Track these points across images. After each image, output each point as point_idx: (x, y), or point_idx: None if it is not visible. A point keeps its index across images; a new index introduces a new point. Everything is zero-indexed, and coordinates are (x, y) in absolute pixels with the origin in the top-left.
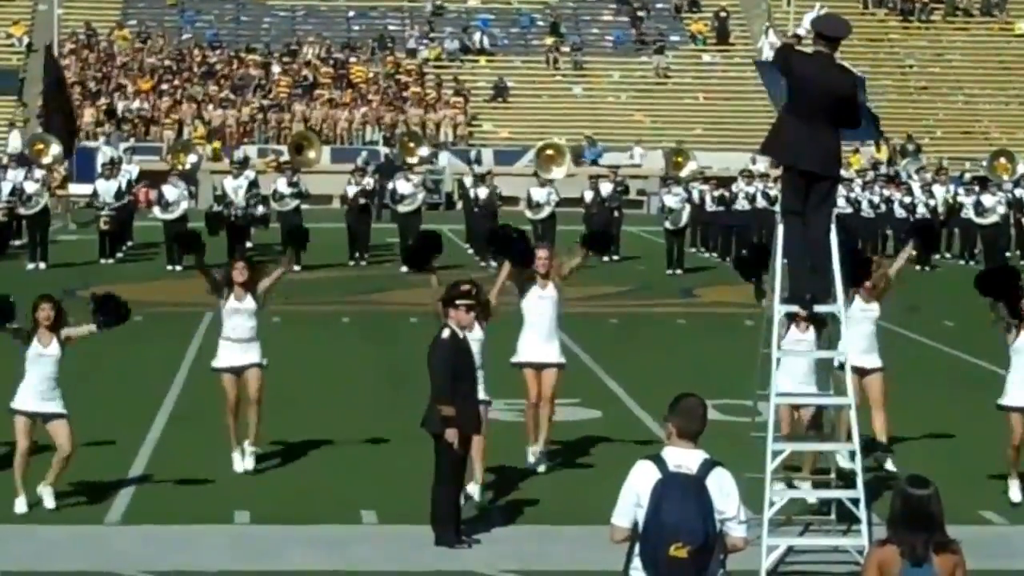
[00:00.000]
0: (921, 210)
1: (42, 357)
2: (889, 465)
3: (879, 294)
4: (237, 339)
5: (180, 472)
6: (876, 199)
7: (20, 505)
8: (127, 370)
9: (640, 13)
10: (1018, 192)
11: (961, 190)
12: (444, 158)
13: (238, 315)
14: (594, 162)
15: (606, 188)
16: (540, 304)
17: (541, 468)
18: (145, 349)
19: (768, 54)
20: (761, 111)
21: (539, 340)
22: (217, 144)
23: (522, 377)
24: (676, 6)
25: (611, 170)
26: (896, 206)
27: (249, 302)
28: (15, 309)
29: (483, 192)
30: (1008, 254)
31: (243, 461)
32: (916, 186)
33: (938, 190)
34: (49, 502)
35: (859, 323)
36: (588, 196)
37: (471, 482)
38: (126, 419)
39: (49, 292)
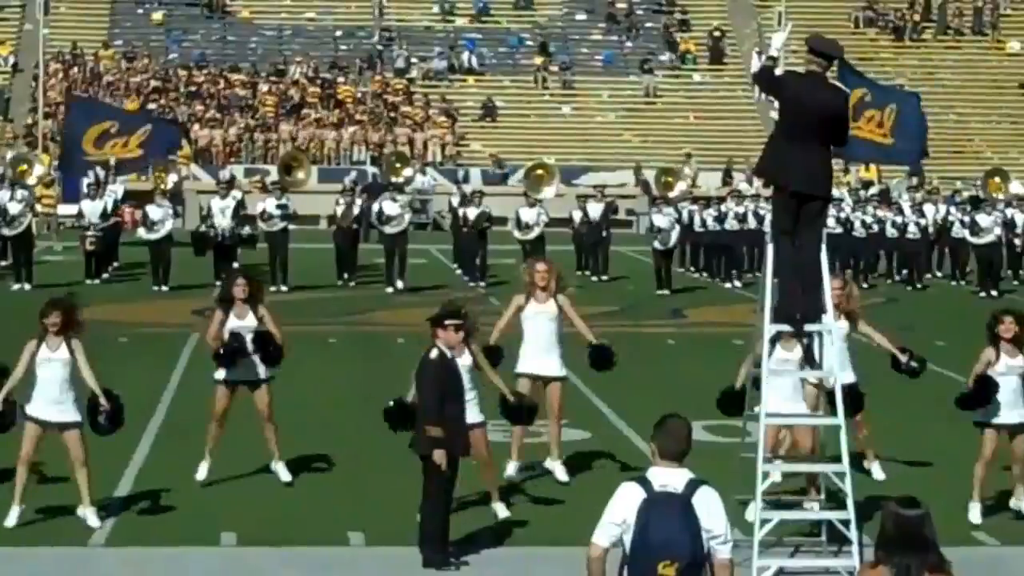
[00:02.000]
0: (912, 229)
1: (51, 361)
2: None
3: (848, 314)
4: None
5: (165, 494)
6: (868, 219)
7: (11, 518)
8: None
9: (679, 37)
10: (1009, 212)
11: (954, 209)
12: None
13: (241, 332)
14: (492, 180)
15: (595, 209)
16: (537, 319)
17: (564, 478)
18: (130, 370)
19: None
20: (751, 131)
21: (538, 353)
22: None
23: (521, 385)
24: (666, 25)
25: (598, 190)
26: (888, 226)
27: (250, 319)
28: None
29: (472, 212)
30: (1002, 274)
31: (280, 471)
32: (907, 206)
33: (929, 209)
34: (94, 521)
35: (841, 340)
36: (576, 216)
37: (497, 502)
38: (111, 440)
39: (60, 297)
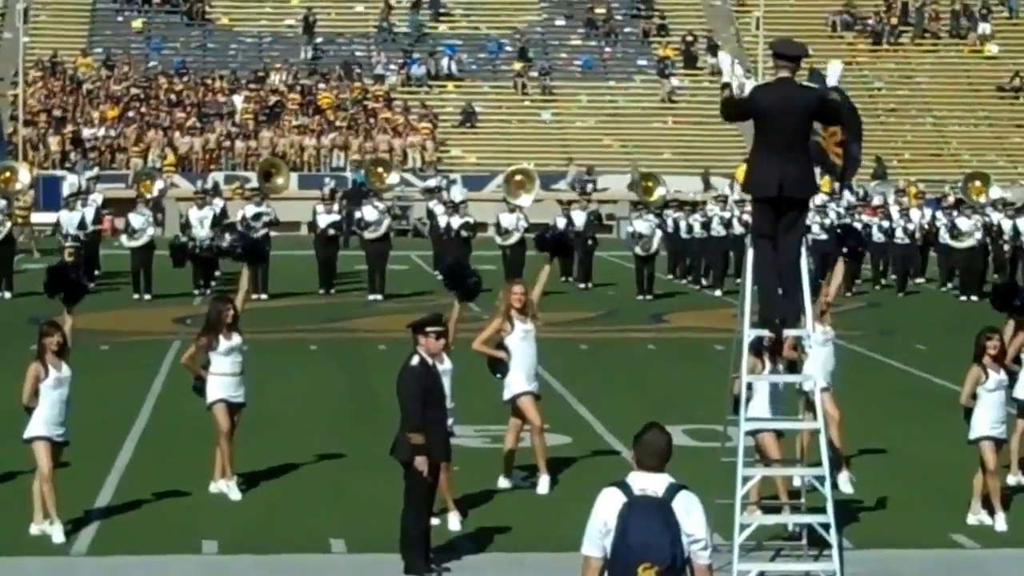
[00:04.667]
0: (900, 235)
1: (61, 382)
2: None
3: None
4: (232, 373)
5: (147, 502)
6: (857, 226)
7: (58, 534)
8: (94, 399)
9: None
10: (996, 217)
11: (940, 214)
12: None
13: (232, 353)
14: (360, 186)
15: (579, 216)
16: (524, 342)
17: (544, 490)
18: (112, 378)
19: (735, 89)
20: (729, 135)
21: (530, 374)
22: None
23: (521, 407)
24: (644, 31)
25: (583, 197)
26: (875, 231)
27: (236, 338)
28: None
29: (456, 221)
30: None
31: (232, 490)
32: (895, 211)
33: (915, 214)
34: (60, 536)
35: (822, 345)
36: (560, 224)
37: (452, 513)
38: (92, 448)
39: (53, 320)
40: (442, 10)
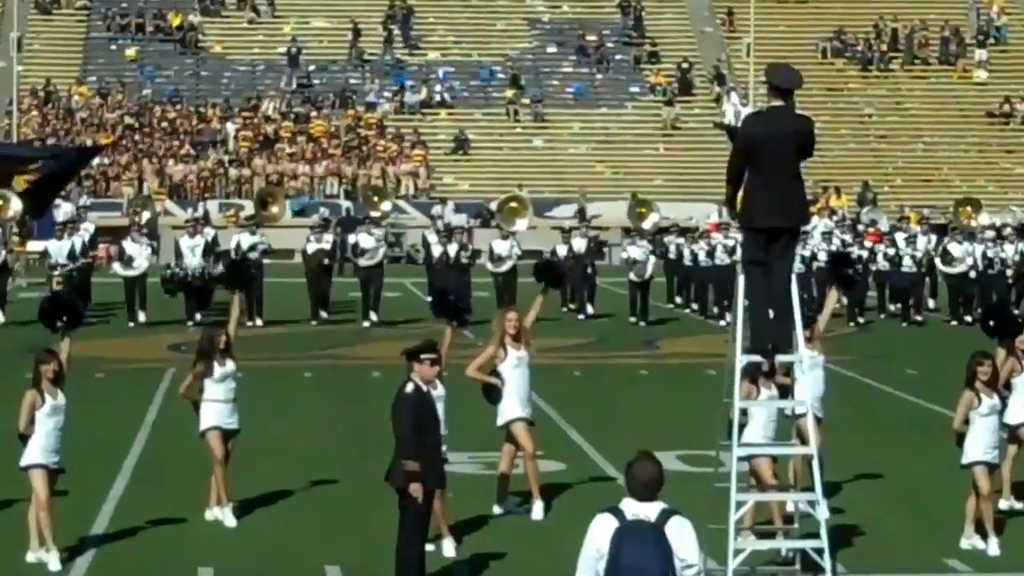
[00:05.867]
0: (907, 262)
1: (57, 409)
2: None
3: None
4: (226, 400)
5: (143, 529)
6: (864, 254)
7: (54, 562)
8: (89, 426)
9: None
10: (1004, 245)
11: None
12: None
13: (226, 379)
14: (298, 213)
15: (579, 243)
16: (518, 369)
17: (538, 516)
18: (107, 406)
19: (731, 116)
20: (721, 162)
21: (524, 400)
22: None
23: (514, 433)
24: (636, 58)
25: (583, 223)
26: (879, 258)
27: (230, 365)
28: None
29: (452, 248)
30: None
31: (227, 516)
32: (900, 238)
33: (921, 240)
34: (56, 564)
35: (811, 370)
36: (561, 251)
37: (447, 539)
38: (88, 476)
39: (50, 348)
40: (433, 37)
